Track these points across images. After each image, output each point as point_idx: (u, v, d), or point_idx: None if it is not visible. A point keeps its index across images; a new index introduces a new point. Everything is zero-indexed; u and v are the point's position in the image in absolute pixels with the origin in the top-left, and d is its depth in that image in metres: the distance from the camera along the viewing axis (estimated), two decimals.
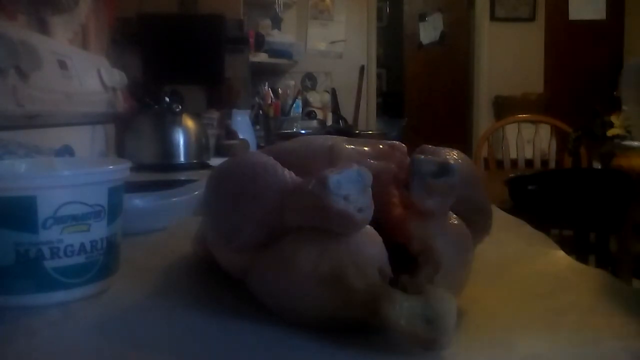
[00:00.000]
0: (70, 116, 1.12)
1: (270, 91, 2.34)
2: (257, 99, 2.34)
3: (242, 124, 1.71)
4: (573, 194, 1.52)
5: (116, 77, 1.35)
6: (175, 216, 0.70)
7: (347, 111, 2.42)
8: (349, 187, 0.35)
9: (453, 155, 0.43)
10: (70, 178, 0.44)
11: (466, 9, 4.96)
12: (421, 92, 5.48)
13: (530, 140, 2.75)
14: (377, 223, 0.38)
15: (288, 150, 0.43)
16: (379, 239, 0.37)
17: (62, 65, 1.07)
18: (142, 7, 1.96)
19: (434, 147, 0.44)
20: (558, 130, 2.67)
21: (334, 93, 2.76)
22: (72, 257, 0.42)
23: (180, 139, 1.38)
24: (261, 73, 3.23)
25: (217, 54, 1.96)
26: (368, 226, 0.37)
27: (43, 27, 1.14)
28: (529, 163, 2.79)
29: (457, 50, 5.15)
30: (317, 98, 3.97)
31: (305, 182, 0.36)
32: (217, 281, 0.46)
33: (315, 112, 3.48)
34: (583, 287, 0.46)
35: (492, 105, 4.52)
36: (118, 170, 0.46)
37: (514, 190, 1.55)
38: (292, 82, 3.33)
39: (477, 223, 0.44)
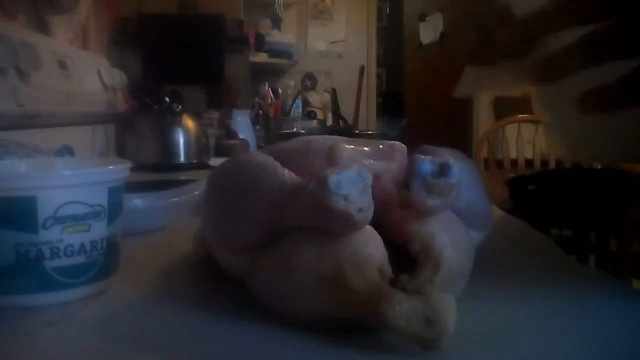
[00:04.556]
0: (70, 116, 1.12)
1: (270, 91, 2.34)
2: (257, 99, 2.34)
3: (242, 124, 1.71)
4: (573, 194, 1.52)
5: (116, 77, 1.35)
6: (175, 216, 0.70)
7: (347, 111, 2.41)
8: (349, 187, 0.35)
9: (453, 155, 0.43)
10: (70, 178, 0.43)
11: None
12: (421, 92, 5.48)
13: (530, 140, 2.75)
14: (377, 223, 0.38)
15: (288, 150, 0.43)
16: (379, 239, 0.37)
17: (62, 65, 1.07)
18: (142, 7, 1.96)
19: (434, 147, 0.44)
20: None
21: (334, 93, 2.76)
22: (72, 257, 0.42)
23: (180, 139, 1.38)
24: (261, 73, 3.23)
25: (217, 54, 1.96)
26: (368, 226, 0.37)
27: (43, 27, 1.14)
28: (529, 163, 2.79)
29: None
30: (317, 98, 3.97)
31: (305, 182, 0.36)
32: (217, 281, 0.46)
33: (315, 112, 3.48)
34: (583, 287, 0.46)
35: (492, 105, 4.52)
36: (118, 170, 0.46)
37: (514, 190, 1.56)
38: (292, 82, 3.33)
39: (477, 223, 0.44)
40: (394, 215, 0.39)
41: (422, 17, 5.38)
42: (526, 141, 2.74)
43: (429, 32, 5.34)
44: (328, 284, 0.35)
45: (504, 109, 4.24)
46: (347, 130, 1.74)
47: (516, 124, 2.76)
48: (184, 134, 1.39)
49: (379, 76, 4.95)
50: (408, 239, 0.38)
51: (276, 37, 3.72)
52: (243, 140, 1.64)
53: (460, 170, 0.38)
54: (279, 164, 0.40)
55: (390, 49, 5.81)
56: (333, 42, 4.27)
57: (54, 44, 1.13)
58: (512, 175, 1.67)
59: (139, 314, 0.41)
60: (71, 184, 0.43)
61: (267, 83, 2.62)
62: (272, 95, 2.30)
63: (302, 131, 1.85)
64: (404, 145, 0.44)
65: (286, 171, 0.39)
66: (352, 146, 0.42)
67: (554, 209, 1.54)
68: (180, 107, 1.40)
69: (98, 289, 0.45)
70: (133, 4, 1.95)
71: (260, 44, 3.30)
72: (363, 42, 4.37)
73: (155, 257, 0.56)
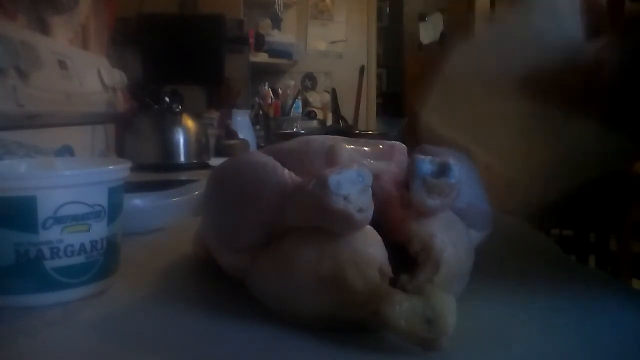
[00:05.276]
0: (70, 116, 1.12)
1: (270, 91, 2.34)
2: (257, 99, 2.34)
3: (242, 124, 1.71)
4: (573, 194, 1.52)
5: (116, 77, 1.35)
6: (175, 216, 0.70)
7: (347, 111, 2.41)
8: (349, 187, 0.35)
9: (453, 155, 0.43)
10: (70, 178, 0.44)
11: (466, 9, 4.96)
12: (421, 92, 5.47)
13: None
14: (377, 223, 0.38)
15: (288, 150, 0.43)
16: (379, 239, 0.37)
17: (62, 65, 1.07)
18: (142, 7, 1.96)
19: (434, 147, 0.44)
20: None
21: (334, 93, 2.76)
22: (72, 257, 0.42)
23: (180, 139, 1.38)
24: (261, 73, 3.23)
25: (217, 54, 1.96)
26: (368, 226, 0.37)
27: (43, 27, 1.14)
28: None
29: None
30: (317, 98, 3.97)
31: (305, 182, 0.36)
32: (217, 281, 0.46)
33: (315, 112, 3.48)
34: (583, 287, 0.46)
35: None
36: (118, 170, 0.46)
37: None
38: (292, 82, 3.33)
39: (477, 223, 0.44)
40: (394, 215, 0.39)
41: (422, 17, 5.38)
42: None
43: (429, 32, 5.34)
44: (328, 284, 0.35)
45: None
46: (347, 130, 1.74)
47: None
48: (184, 134, 1.39)
49: (379, 76, 4.95)
50: (408, 239, 0.38)
51: (276, 37, 3.72)
52: (243, 140, 1.64)
53: (460, 170, 0.38)
54: (279, 164, 0.40)
55: (390, 49, 5.81)
56: (333, 42, 4.27)
57: (54, 44, 1.13)
58: None
59: (139, 314, 0.41)
60: (71, 184, 0.43)
61: (267, 83, 2.61)
62: (272, 95, 2.30)
63: (302, 131, 1.85)
64: (404, 145, 0.44)
65: (286, 171, 0.39)
66: (352, 146, 0.42)
67: (554, 209, 1.54)
68: (180, 107, 1.40)
69: (98, 289, 0.45)
70: (133, 4, 1.95)
71: (260, 44, 3.30)
72: (363, 42, 4.36)
73: (155, 257, 0.56)
